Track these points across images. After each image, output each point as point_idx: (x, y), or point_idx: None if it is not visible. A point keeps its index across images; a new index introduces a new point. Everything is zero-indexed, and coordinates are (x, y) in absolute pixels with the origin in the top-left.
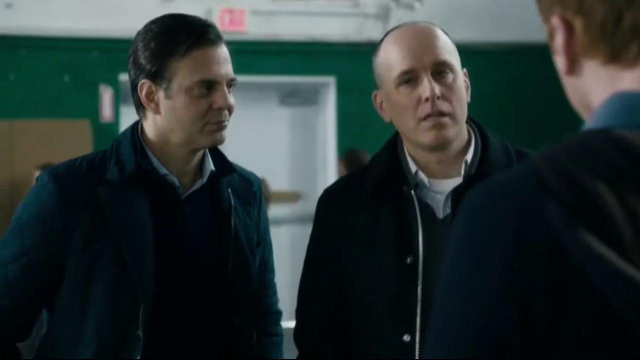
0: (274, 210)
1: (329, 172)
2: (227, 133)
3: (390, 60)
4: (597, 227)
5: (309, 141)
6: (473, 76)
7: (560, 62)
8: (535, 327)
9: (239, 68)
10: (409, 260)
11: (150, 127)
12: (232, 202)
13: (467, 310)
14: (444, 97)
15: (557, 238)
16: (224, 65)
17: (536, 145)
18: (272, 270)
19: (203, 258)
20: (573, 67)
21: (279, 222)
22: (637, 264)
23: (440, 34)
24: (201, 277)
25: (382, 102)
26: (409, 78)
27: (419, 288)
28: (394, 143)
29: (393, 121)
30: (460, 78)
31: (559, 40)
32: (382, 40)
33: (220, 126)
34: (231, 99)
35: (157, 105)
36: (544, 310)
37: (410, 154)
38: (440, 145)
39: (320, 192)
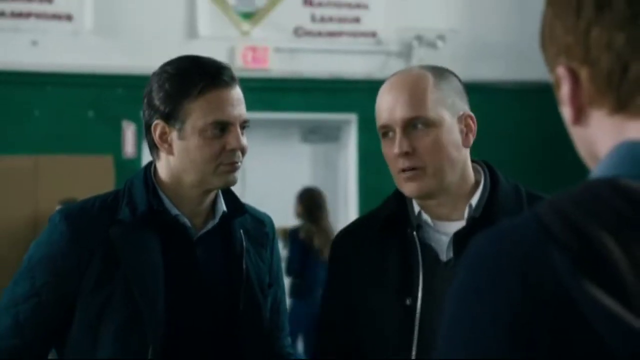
0: None
1: (350, 209)
2: (249, 170)
3: (377, 110)
4: (602, 277)
5: (330, 178)
6: (497, 114)
7: (566, 112)
8: None
9: (261, 105)
10: (408, 301)
11: (163, 167)
12: (244, 243)
13: (471, 352)
14: (414, 152)
15: (562, 285)
16: (238, 106)
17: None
18: (285, 312)
19: (214, 299)
20: (579, 117)
21: None
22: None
23: (424, 84)
24: (212, 319)
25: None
26: (386, 132)
27: (416, 329)
28: None
29: None
30: (444, 130)
31: (564, 91)
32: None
33: (233, 167)
34: (244, 140)
35: (170, 146)
36: (548, 356)
37: None
38: (422, 196)
39: (341, 228)
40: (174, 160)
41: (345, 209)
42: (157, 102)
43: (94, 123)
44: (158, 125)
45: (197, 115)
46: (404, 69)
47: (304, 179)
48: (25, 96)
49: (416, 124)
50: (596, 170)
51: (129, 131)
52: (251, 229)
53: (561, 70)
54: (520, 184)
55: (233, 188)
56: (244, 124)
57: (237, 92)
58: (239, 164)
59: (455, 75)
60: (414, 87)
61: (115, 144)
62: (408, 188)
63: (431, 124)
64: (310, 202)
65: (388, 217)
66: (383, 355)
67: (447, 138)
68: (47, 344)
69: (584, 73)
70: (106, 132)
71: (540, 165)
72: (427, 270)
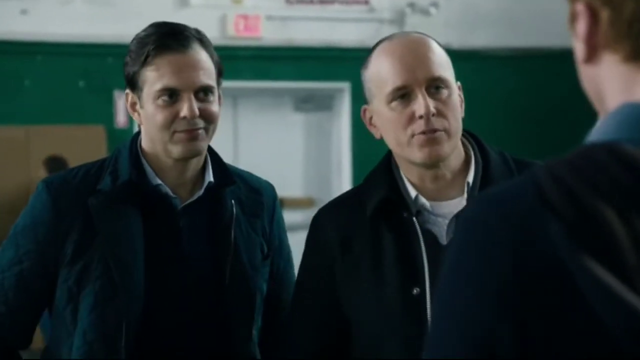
0: (288, 216)
1: (344, 178)
2: (242, 139)
3: (383, 74)
4: (599, 248)
5: (323, 147)
6: (490, 81)
7: (578, 48)
8: (532, 345)
9: (253, 74)
10: (415, 291)
11: (143, 136)
12: (235, 213)
13: (463, 328)
14: (439, 113)
15: (557, 258)
16: (190, 72)
17: (553, 152)
18: (291, 284)
19: (198, 273)
20: (592, 56)
21: (293, 228)
22: (639, 288)
23: (435, 46)
24: (195, 293)
25: (371, 118)
26: (403, 94)
27: (429, 319)
28: (388, 164)
29: (384, 138)
30: (455, 93)
31: (581, 28)
32: (371, 51)
33: (190, 135)
34: (207, 106)
35: (139, 115)
36: (541, 329)
37: (406, 176)
38: (434, 162)
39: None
40: (144, 129)
41: (338, 178)
42: (125, 71)
43: (85, 93)
44: (128, 95)
45: (150, 81)
46: (397, 33)
47: (297, 149)
48: (15, 66)
49: (437, 85)
50: (596, 132)
51: (121, 101)
52: (245, 198)
53: (580, 7)
54: (504, 151)
55: (225, 156)
56: (204, 90)
57: (191, 58)
58: (200, 131)
59: None
60: (428, 47)
61: (107, 114)
62: (423, 152)
63: (448, 85)
64: (53, 169)
65: (381, 202)
66: (394, 350)
67: (457, 101)
68: (34, 312)
69: (604, 14)
70: (98, 102)
71: (533, 132)
72: (430, 256)
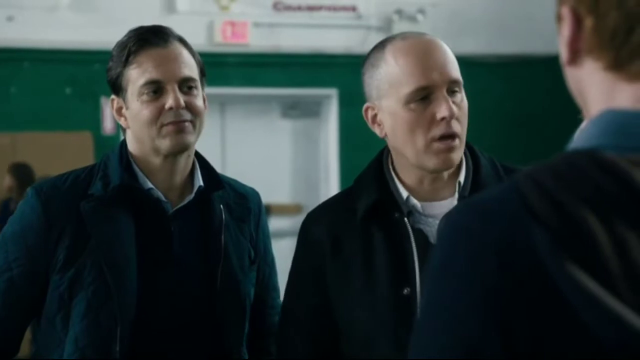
0: (276, 223)
1: (331, 185)
2: (230, 145)
3: (401, 73)
4: (582, 255)
5: (311, 153)
6: (477, 88)
7: (562, 51)
8: (518, 348)
9: (241, 80)
10: (405, 291)
11: (130, 141)
12: (224, 218)
13: (450, 329)
14: (457, 117)
15: (541, 265)
16: (172, 64)
17: (541, 158)
18: (275, 289)
19: (190, 276)
20: (574, 60)
21: (281, 234)
22: (622, 294)
23: (448, 49)
24: (187, 296)
25: (375, 116)
26: (425, 95)
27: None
28: (379, 165)
29: (391, 138)
30: (465, 98)
31: (565, 32)
32: (380, 49)
33: (177, 127)
34: (192, 100)
35: (125, 119)
36: (527, 333)
37: (398, 176)
38: (447, 169)
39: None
40: (131, 132)
41: (326, 185)
42: (108, 77)
43: (72, 99)
44: (114, 100)
45: (133, 80)
46: (407, 32)
47: (285, 155)
48: (1, 73)
49: (454, 88)
50: (578, 138)
51: (108, 107)
52: (233, 203)
53: (566, 11)
54: (494, 157)
55: (212, 163)
56: (188, 83)
57: (171, 51)
58: (187, 123)
59: None
60: (444, 50)
61: (94, 121)
62: (439, 159)
63: (462, 89)
64: (18, 175)
65: (374, 203)
66: (384, 349)
67: (467, 106)
68: (23, 318)
69: (588, 22)
70: (84, 108)
71: (521, 139)
72: (421, 256)
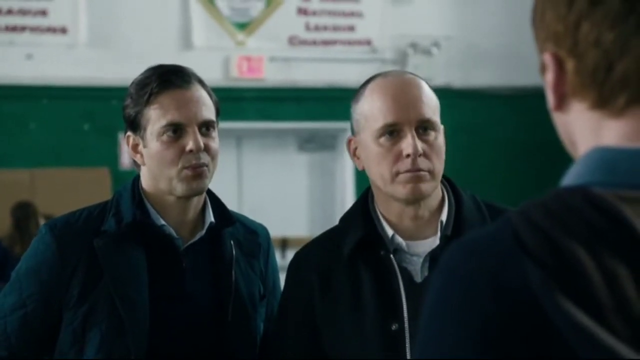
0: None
1: None
2: (246, 180)
3: (375, 109)
4: (575, 290)
5: (327, 186)
6: (492, 120)
7: (549, 97)
8: None
9: (257, 114)
10: (394, 327)
11: (144, 178)
12: (234, 254)
13: None
14: (425, 154)
15: (536, 301)
16: (193, 107)
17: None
18: None
19: (201, 311)
20: (561, 104)
21: None
22: (615, 329)
23: (427, 89)
24: (199, 331)
25: (356, 149)
26: (392, 131)
27: (409, 355)
28: (365, 203)
29: (367, 170)
30: (441, 136)
31: (549, 77)
32: (364, 85)
33: (196, 171)
34: (210, 142)
35: (141, 156)
36: None
37: (382, 214)
38: (416, 199)
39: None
40: (146, 169)
41: None
42: (125, 114)
43: (89, 135)
44: (129, 137)
45: (153, 120)
46: (392, 71)
47: (301, 189)
48: (20, 109)
49: (427, 126)
50: (568, 177)
51: (125, 143)
52: (243, 239)
53: (547, 57)
54: (475, 194)
55: (229, 197)
56: (207, 125)
57: (193, 93)
58: (205, 168)
59: None
60: (421, 89)
61: (111, 156)
62: (406, 189)
63: (436, 129)
64: (19, 215)
65: (360, 241)
66: None
67: (443, 144)
68: (36, 356)
69: (569, 64)
70: (102, 144)
71: (535, 171)
72: (408, 293)
